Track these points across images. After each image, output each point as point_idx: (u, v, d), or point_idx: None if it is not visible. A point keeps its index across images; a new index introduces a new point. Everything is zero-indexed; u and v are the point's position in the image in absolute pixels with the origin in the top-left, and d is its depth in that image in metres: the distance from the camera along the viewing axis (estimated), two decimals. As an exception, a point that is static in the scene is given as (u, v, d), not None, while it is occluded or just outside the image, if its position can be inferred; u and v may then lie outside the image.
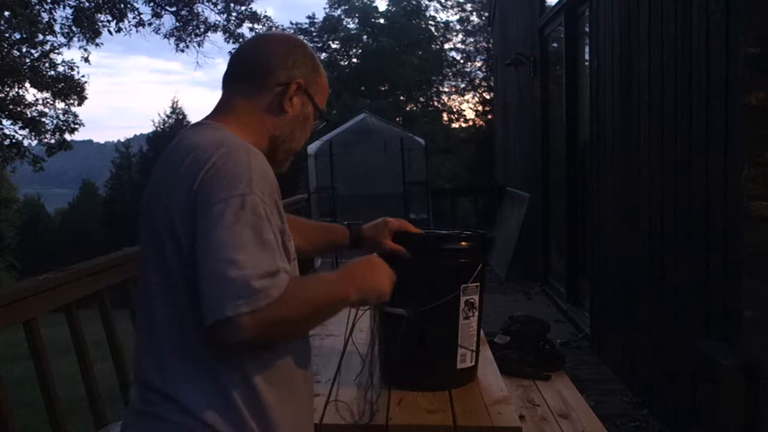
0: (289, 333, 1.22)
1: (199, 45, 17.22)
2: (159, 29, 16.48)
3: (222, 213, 1.11)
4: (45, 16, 14.06)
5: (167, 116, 27.65)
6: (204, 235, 1.11)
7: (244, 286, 1.08)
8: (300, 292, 1.16)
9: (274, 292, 1.10)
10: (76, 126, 15.87)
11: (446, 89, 25.98)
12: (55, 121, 15.65)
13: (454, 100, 26.03)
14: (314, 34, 24.70)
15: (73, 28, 14.67)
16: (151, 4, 15.97)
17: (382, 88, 24.01)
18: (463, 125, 25.38)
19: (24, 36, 13.73)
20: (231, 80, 1.36)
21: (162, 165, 1.25)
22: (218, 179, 1.14)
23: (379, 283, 1.34)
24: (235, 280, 1.08)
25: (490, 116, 21.27)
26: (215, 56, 19.53)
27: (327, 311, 1.23)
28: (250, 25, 17.17)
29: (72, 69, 15.32)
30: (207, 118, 1.33)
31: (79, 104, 15.69)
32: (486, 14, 18.47)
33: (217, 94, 1.38)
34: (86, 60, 15.62)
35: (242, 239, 1.10)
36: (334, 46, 24.86)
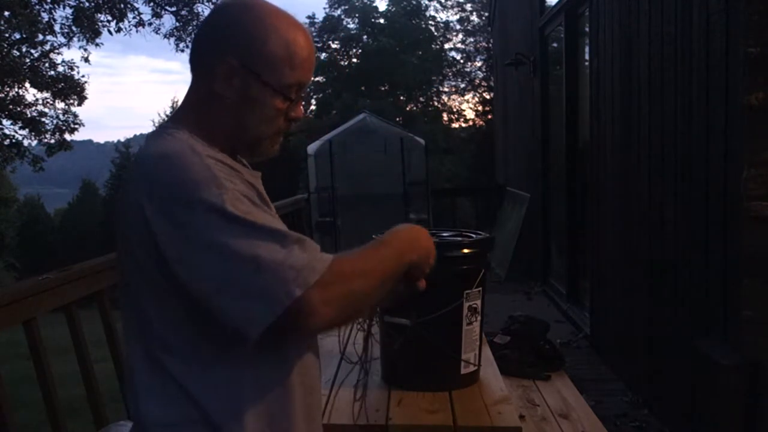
0: (356, 306, 1.05)
1: (199, 45, 17.22)
2: (159, 29, 16.53)
3: (203, 222, 0.95)
4: (45, 16, 14.11)
5: (167, 116, 27.70)
6: (195, 253, 0.96)
7: (289, 268, 0.93)
8: (353, 260, 1.04)
9: (320, 265, 0.96)
10: (76, 126, 15.93)
11: (446, 89, 26.00)
12: (55, 121, 15.71)
13: (454, 100, 26.06)
14: (314, 34, 24.70)
15: (73, 28, 14.70)
16: (151, 4, 15.99)
17: (382, 88, 24.02)
18: (463, 125, 25.43)
19: (24, 36, 13.75)
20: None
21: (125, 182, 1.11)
22: (176, 189, 0.98)
23: (426, 240, 1.22)
24: (274, 267, 0.93)
25: (490, 116, 21.27)
26: (215, 56, 19.42)
27: (388, 275, 1.09)
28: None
29: (72, 69, 15.39)
30: (174, 114, 1.17)
31: (79, 104, 15.75)
32: (486, 14, 18.47)
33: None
34: (86, 60, 15.68)
35: (246, 233, 0.95)
36: (334, 46, 24.86)
